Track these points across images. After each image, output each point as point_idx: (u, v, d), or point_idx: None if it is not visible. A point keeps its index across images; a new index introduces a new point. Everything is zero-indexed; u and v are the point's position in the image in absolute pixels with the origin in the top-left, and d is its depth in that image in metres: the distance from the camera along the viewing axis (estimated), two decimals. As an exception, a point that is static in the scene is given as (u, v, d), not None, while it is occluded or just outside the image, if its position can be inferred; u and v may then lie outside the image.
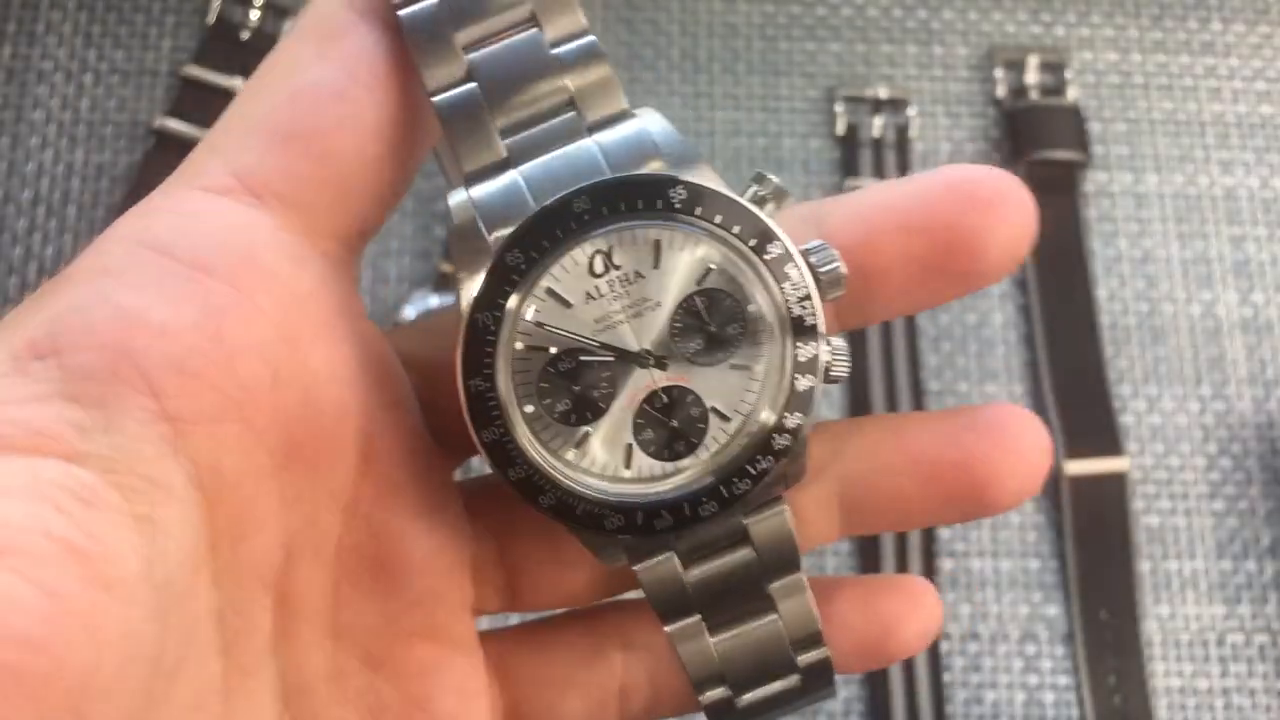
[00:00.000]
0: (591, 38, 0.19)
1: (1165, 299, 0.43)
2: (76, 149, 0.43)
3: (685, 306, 0.19)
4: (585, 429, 0.19)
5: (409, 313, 0.40)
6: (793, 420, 0.19)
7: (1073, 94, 0.44)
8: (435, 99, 0.19)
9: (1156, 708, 0.38)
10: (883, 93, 0.44)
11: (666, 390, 0.19)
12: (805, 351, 0.19)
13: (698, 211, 0.19)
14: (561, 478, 0.19)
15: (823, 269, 0.19)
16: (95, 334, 0.16)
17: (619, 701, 0.21)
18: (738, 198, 0.19)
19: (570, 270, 0.19)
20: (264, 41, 0.44)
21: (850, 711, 0.38)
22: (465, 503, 0.21)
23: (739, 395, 0.20)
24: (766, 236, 0.19)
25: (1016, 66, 0.45)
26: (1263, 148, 0.45)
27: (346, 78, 0.18)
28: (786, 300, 0.19)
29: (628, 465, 0.20)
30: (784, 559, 0.20)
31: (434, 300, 0.40)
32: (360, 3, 0.19)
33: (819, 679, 0.21)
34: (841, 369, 0.19)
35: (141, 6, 0.44)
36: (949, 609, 0.39)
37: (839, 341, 0.20)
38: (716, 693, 0.20)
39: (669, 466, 0.20)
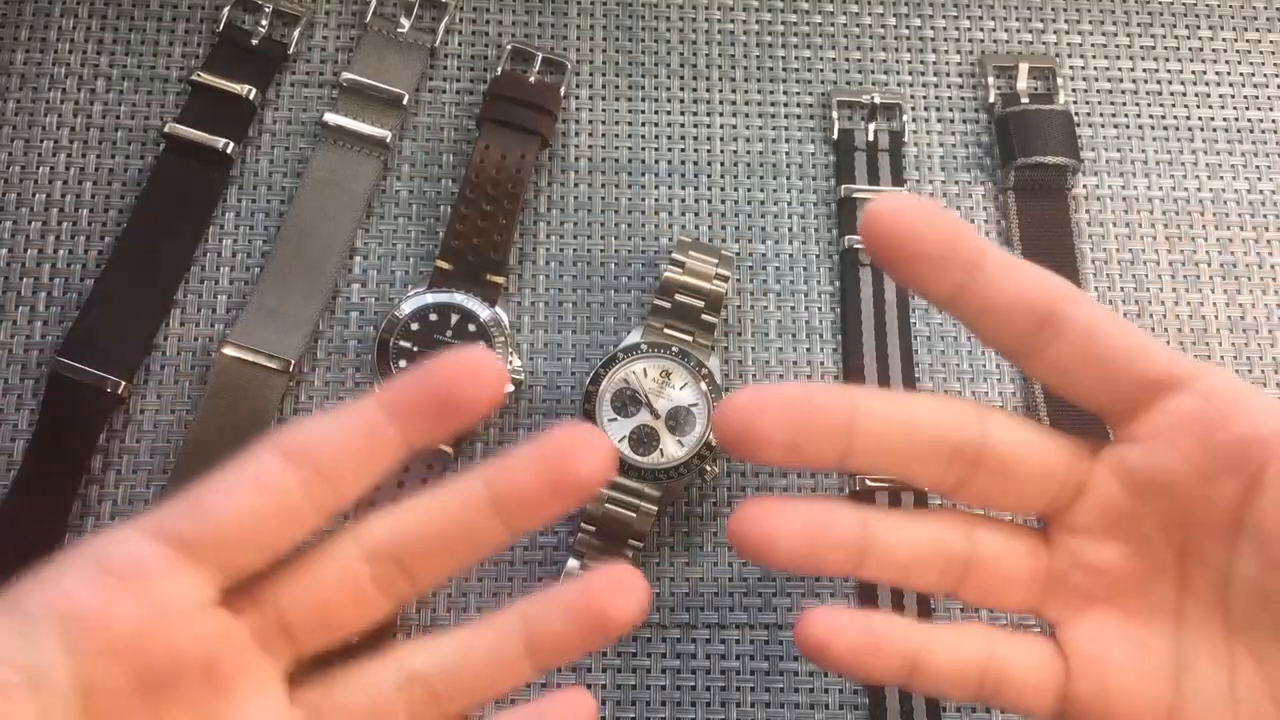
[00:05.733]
0: None
1: (1154, 300, 0.44)
2: (89, 153, 0.43)
3: None
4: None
5: (405, 308, 0.40)
6: None
7: (1063, 99, 0.45)
8: None
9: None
10: (877, 98, 0.45)
11: None
12: None
13: None
14: None
15: None
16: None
17: None
18: None
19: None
20: (273, 49, 0.44)
21: (844, 705, 0.39)
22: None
23: None
24: None
25: (1008, 73, 0.46)
26: (1250, 151, 0.46)
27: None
28: None
29: None
30: None
31: (429, 297, 0.41)
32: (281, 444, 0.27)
33: None
34: None
35: (153, 13, 0.45)
36: (944, 599, 0.40)
37: None
38: None
39: None
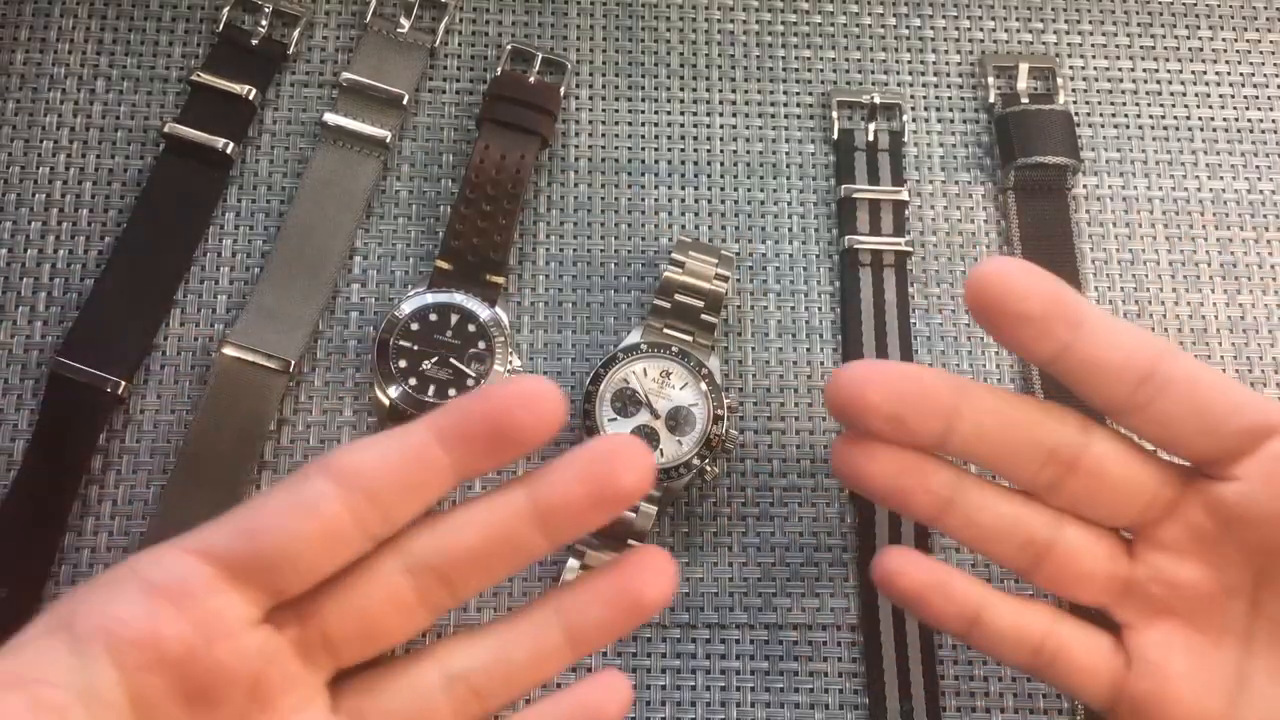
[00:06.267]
0: None
1: (1154, 300, 0.44)
2: (89, 153, 0.43)
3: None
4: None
5: (405, 308, 0.40)
6: None
7: (1063, 99, 0.45)
8: None
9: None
10: (877, 98, 0.45)
11: None
12: None
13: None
14: None
15: None
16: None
17: None
18: None
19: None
20: (273, 49, 0.44)
21: (844, 705, 0.39)
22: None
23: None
24: None
25: (1008, 73, 0.46)
26: (1250, 151, 0.46)
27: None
28: None
29: None
30: None
31: (429, 298, 0.41)
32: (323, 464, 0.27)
33: None
34: None
35: (153, 13, 0.45)
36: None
37: None
38: None
39: None
